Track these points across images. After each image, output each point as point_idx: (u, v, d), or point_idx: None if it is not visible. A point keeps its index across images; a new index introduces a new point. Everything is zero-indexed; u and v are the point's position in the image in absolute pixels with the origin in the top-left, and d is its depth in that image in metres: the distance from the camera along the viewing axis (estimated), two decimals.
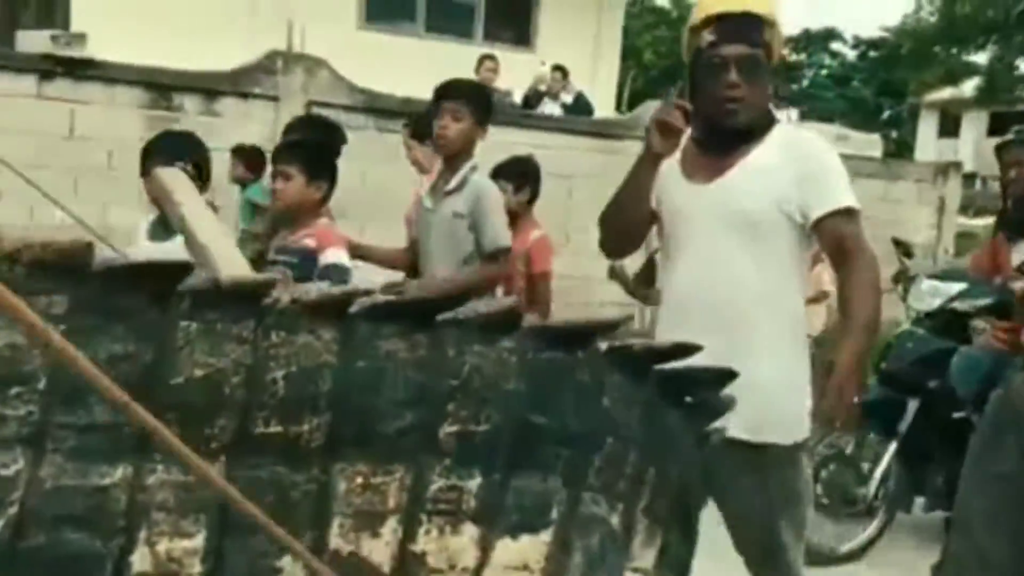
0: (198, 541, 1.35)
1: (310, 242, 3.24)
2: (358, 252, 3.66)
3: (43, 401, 1.27)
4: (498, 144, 8.86)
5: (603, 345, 1.70)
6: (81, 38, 8.32)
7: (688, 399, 1.83)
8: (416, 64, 8.54)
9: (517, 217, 4.07)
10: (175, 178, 2.19)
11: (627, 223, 2.60)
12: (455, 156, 3.59)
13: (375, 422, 1.47)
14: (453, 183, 3.58)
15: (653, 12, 19.33)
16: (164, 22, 9.66)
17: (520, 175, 4.25)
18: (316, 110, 8.03)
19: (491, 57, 9.53)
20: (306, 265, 3.16)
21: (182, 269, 1.37)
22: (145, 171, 3.33)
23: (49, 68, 7.96)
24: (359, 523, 1.45)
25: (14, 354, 1.26)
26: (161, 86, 8.30)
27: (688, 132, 2.47)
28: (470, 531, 1.53)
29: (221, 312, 1.39)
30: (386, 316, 1.49)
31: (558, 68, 9.98)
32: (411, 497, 1.49)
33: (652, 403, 1.74)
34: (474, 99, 3.61)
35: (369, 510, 1.46)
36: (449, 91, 3.64)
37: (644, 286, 4.45)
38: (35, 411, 1.27)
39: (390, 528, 1.48)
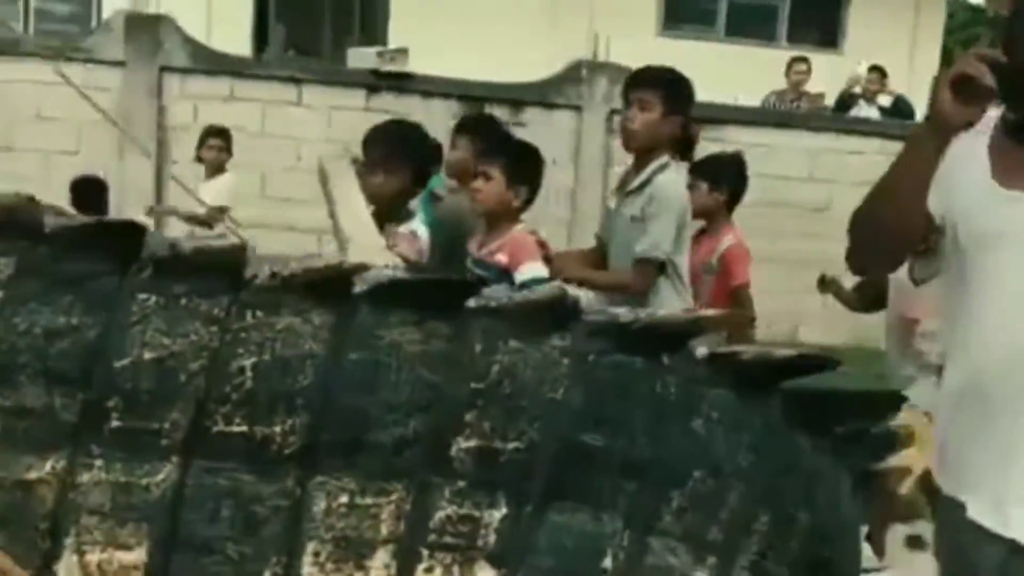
0: (139, 555, 1.15)
1: (502, 258, 3.02)
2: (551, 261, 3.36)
3: None
4: (807, 149, 8.28)
5: (701, 350, 1.33)
6: (404, 53, 8.68)
7: (838, 428, 1.40)
8: (717, 69, 8.11)
9: (711, 218, 3.67)
10: (338, 169, 2.12)
11: (895, 224, 1.76)
12: (644, 152, 3.17)
13: (368, 429, 1.20)
14: (636, 182, 3.18)
15: (969, 9, 17.37)
16: (472, 35, 9.90)
17: (716, 173, 3.80)
18: (618, 119, 7.88)
19: (803, 59, 8.86)
20: (504, 281, 2.95)
21: (140, 231, 1.18)
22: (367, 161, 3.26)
23: (374, 83, 8.36)
24: (341, 553, 1.19)
25: None
26: (473, 98, 8.47)
27: (996, 112, 1.70)
28: (486, 574, 1.22)
29: (190, 285, 1.18)
30: (398, 298, 1.22)
31: (875, 69, 9.12)
32: (410, 525, 1.21)
33: (773, 429, 1.34)
34: (666, 86, 3.17)
35: (355, 537, 1.19)
36: (637, 79, 3.25)
37: (865, 305, 3.88)
38: None
39: (380, 562, 1.20)
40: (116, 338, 1.15)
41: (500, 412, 1.23)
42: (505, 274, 2.99)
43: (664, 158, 3.14)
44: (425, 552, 1.20)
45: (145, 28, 8.55)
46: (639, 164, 3.18)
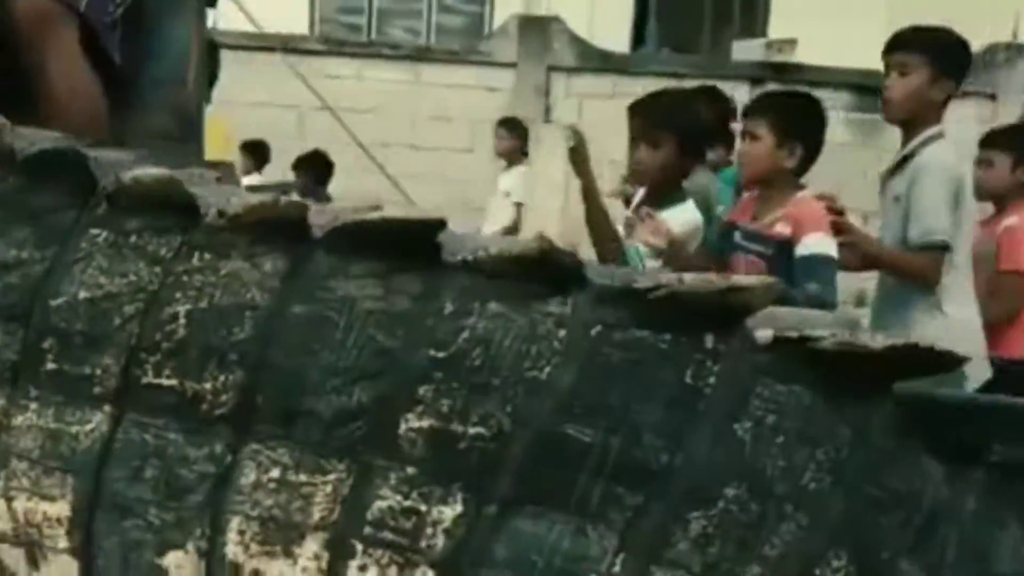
0: (62, 508, 1.06)
1: (783, 229, 2.64)
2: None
3: None
4: None
5: (765, 333, 1.00)
6: (792, 44, 8.27)
7: (993, 454, 1.00)
8: None
9: (1005, 200, 3.16)
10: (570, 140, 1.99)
11: None
12: (908, 123, 2.64)
13: (306, 395, 1.02)
14: (899, 157, 2.65)
15: None
16: (857, 26, 9.16)
17: (1020, 147, 3.06)
18: None
19: None
20: (781, 259, 2.58)
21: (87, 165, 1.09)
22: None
23: (759, 75, 8.04)
24: (268, 534, 1.02)
25: None
26: (866, 88, 7.84)
27: None
28: None
29: (146, 222, 1.08)
30: (362, 244, 1.03)
31: None
32: (346, 512, 1.01)
33: (872, 445, 0.98)
34: (931, 47, 2.63)
35: (284, 519, 1.02)
36: (896, 41, 2.71)
37: None
38: None
39: (310, 550, 1.01)
40: (58, 275, 1.07)
41: (463, 389, 0.99)
42: (787, 247, 2.64)
43: (934, 129, 2.63)
44: (360, 547, 1.00)
45: (536, 30, 8.84)
46: (905, 138, 2.70)
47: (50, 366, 1.07)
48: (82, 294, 1.06)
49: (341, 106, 8.69)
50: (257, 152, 8.29)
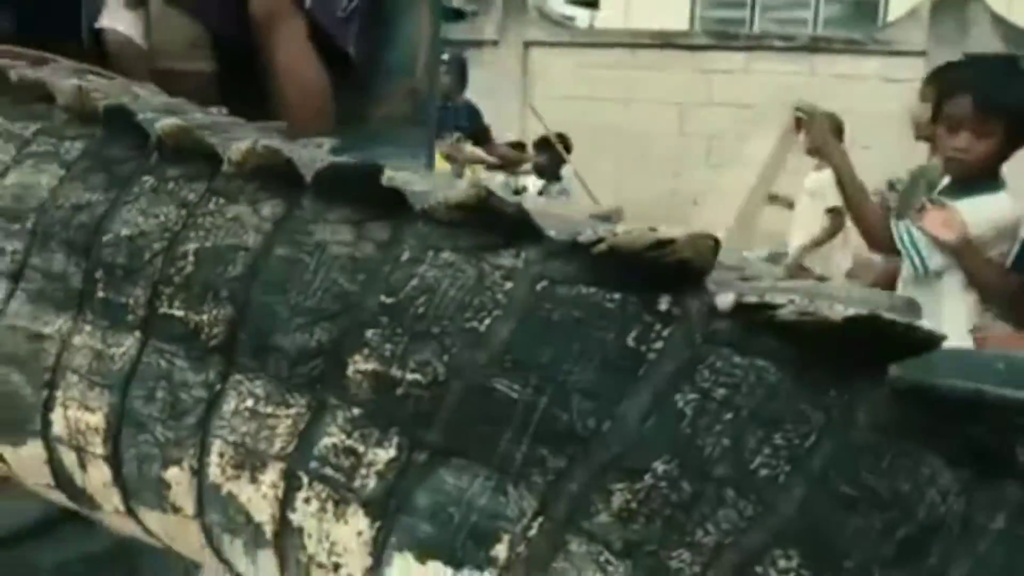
0: (99, 419, 1.19)
1: None
2: None
3: (28, 241, 1.28)
4: None
5: (725, 298, 0.91)
6: None
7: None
8: None
9: None
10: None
11: None
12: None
13: (276, 332, 1.08)
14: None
15: None
16: None
17: None
18: None
19: None
20: None
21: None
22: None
23: None
24: (240, 459, 1.09)
25: (24, 192, 1.30)
26: None
27: None
28: (358, 523, 1.01)
29: (183, 170, 1.19)
30: (343, 191, 1.07)
31: None
32: (300, 446, 1.05)
33: (851, 433, 0.86)
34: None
35: (252, 446, 1.08)
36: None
37: None
38: (19, 249, 1.29)
39: (270, 479, 1.07)
40: (112, 215, 1.21)
41: (405, 335, 1.01)
42: None
43: None
44: (306, 479, 1.04)
45: (952, 13, 8.21)
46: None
47: (100, 294, 1.21)
48: (124, 232, 1.19)
49: (726, 101, 8.66)
50: (553, 146, 8.63)
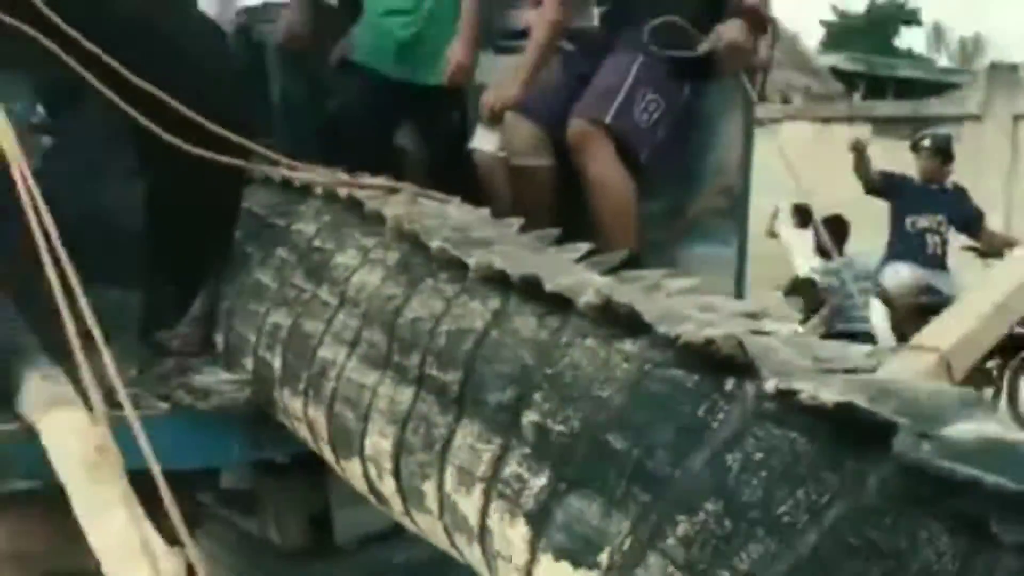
0: (388, 444, 1.72)
1: None
2: None
3: (361, 321, 1.86)
4: None
5: (770, 383, 1.22)
6: None
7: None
8: None
9: None
10: None
11: None
12: None
13: (489, 389, 1.53)
14: None
15: None
16: None
17: None
18: None
19: None
20: None
21: None
22: None
23: None
24: (461, 478, 1.55)
25: (361, 286, 1.89)
26: None
27: None
28: (522, 530, 1.42)
29: (448, 274, 1.72)
30: (535, 292, 1.52)
31: None
32: (493, 473, 1.49)
33: (859, 495, 1.11)
34: None
35: (468, 470, 1.54)
36: None
37: None
38: (356, 327, 1.87)
39: (477, 494, 1.52)
40: (405, 305, 1.76)
41: (557, 396, 1.43)
42: None
43: None
44: (495, 496, 1.48)
45: None
46: None
47: (395, 359, 1.75)
48: (410, 316, 1.73)
49: None
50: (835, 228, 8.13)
